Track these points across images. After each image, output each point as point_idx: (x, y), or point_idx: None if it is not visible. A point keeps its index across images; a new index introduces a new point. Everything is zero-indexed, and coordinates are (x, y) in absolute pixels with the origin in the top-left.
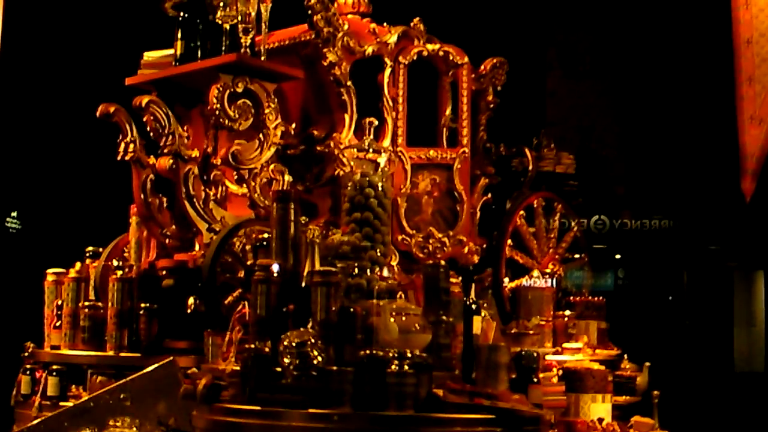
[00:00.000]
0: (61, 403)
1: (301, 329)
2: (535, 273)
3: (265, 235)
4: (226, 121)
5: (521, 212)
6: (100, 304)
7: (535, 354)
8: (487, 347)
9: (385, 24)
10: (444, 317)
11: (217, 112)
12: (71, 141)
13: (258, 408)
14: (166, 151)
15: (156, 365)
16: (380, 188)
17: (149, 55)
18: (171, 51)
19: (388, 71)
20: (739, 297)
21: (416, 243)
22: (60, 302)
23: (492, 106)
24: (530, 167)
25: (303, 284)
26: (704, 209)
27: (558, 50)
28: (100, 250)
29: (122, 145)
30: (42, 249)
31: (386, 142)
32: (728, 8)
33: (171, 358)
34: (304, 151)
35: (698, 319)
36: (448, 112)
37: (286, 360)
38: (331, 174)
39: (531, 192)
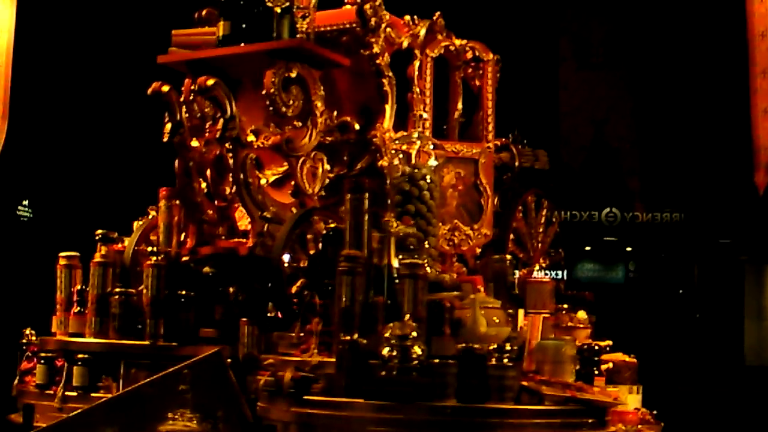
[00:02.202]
0: (92, 394)
1: (402, 321)
2: (536, 267)
3: (332, 225)
4: (282, 108)
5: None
6: (132, 290)
7: (596, 347)
8: (554, 340)
9: (416, 17)
10: (511, 310)
11: (274, 97)
12: (80, 130)
13: (361, 401)
14: (226, 135)
15: (203, 355)
16: (431, 180)
17: (179, 34)
18: (201, 30)
19: (417, 64)
20: (750, 290)
21: (442, 235)
22: (81, 287)
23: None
24: (516, 163)
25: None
26: (715, 203)
27: (571, 41)
28: (115, 234)
29: (169, 126)
30: (53, 237)
31: (415, 135)
32: (742, 1)
33: (218, 348)
34: (339, 140)
35: (709, 313)
36: (459, 106)
37: (385, 352)
38: (367, 164)
39: (525, 188)
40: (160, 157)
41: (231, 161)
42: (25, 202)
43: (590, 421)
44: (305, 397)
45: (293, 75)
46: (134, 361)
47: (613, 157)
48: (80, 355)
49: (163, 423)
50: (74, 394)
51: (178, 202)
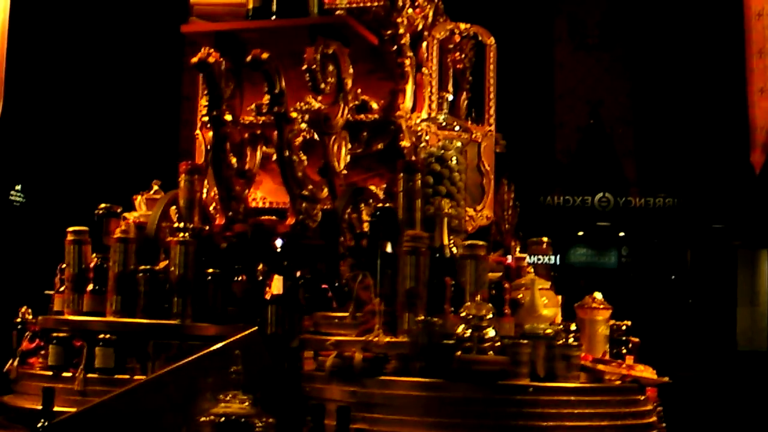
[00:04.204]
0: (117, 376)
1: (476, 302)
2: (518, 249)
3: (380, 205)
4: (321, 84)
5: None
6: (158, 268)
7: (624, 327)
8: (588, 320)
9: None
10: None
11: (315, 74)
12: (69, 113)
13: (440, 380)
14: (275, 110)
15: (242, 335)
16: (458, 161)
17: (199, 3)
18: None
19: (425, 45)
20: (743, 276)
21: None
22: (99, 263)
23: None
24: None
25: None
26: (709, 188)
27: (566, 22)
28: (119, 209)
29: (208, 99)
30: (46, 221)
31: (423, 114)
32: None
33: (254, 327)
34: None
35: (701, 298)
36: (450, 88)
37: (460, 331)
38: (385, 143)
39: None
40: (146, 133)
41: (275, 137)
42: (18, 187)
43: (642, 398)
44: (380, 378)
45: (330, 52)
46: (162, 341)
47: (608, 140)
48: (103, 336)
49: (215, 404)
50: (95, 376)
51: (197, 177)
